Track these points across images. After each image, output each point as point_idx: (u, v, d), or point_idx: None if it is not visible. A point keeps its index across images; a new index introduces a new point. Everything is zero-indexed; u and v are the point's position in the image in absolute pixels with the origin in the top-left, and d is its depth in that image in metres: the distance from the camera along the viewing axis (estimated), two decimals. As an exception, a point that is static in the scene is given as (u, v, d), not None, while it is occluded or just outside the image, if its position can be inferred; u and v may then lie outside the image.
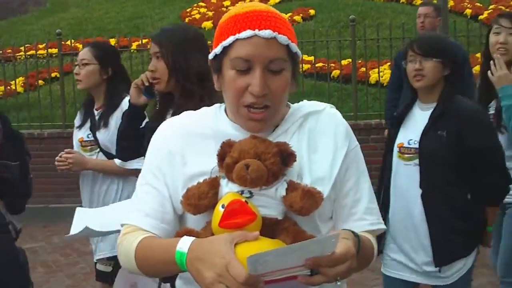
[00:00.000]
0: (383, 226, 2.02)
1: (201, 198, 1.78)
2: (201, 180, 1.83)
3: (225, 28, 1.85)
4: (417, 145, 3.64)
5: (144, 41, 10.64)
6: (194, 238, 1.70)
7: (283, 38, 1.81)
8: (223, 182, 1.80)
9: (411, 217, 3.66)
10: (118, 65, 4.51)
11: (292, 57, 1.87)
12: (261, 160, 1.75)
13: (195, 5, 16.11)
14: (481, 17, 12.72)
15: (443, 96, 3.67)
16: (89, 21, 15.75)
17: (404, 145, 3.73)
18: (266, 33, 1.79)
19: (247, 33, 1.79)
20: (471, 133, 3.53)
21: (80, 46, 10.52)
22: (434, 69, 3.64)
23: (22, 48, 11.00)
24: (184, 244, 1.68)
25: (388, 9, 14.24)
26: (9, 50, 11.12)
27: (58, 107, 10.11)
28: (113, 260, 4.26)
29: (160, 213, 1.92)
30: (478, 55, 9.81)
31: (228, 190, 1.77)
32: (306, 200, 1.74)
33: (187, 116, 2.04)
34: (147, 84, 3.57)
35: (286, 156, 1.80)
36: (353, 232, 1.80)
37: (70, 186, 9.23)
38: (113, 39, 11.78)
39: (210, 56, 1.91)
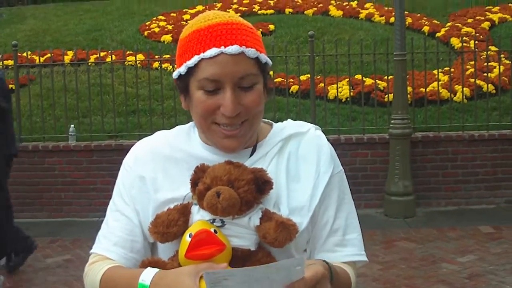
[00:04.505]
0: (361, 258, 1.87)
1: (170, 226, 1.67)
2: (172, 206, 1.73)
3: (188, 46, 1.72)
4: None
5: (102, 54, 10.54)
6: (157, 269, 1.63)
7: (251, 52, 1.69)
8: (194, 209, 1.69)
9: None
10: None
11: (262, 68, 1.75)
12: (234, 187, 1.65)
13: (154, 18, 16.07)
14: (438, 34, 12.87)
15: None
16: (47, 33, 15.56)
17: None
18: (233, 49, 1.66)
19: (212, 51, 1.66)
20: None
21: (37, 58, 10.40)
22: None
23: (-23, 59, 10.82)
24: (147, 276, 1.62)
25: (346, 25, 14.37)
26: (-36, 62, 10.92)
27: (13, 120, 9.93)
28: None
29: (129, 242, 1.83)
30: (435, 71, 9.93)
31: (199, 217, 1.67)
32: (279, 232, 1.63)
33: (160, 137, 1.92)
34: None
35: (262, 184, 1.69)
36: (324, 260, 1.69)
37: (24, 201, 9.11)
38: (71, 51, 11.66)
39: (174, 75, 1.77)
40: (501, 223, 8.14)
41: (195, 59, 1.69)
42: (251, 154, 1.82)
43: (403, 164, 8.55)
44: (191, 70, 1.71)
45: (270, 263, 1.52)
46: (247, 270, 1.51)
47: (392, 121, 8.69)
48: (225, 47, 1.66)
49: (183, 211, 1.70)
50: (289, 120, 1.96)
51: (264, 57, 1.74)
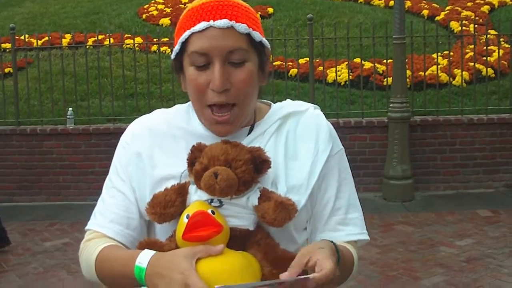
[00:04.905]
0: (364, 237, 1.88)
1: (167, 206, 1.67)
2: (169, 184, 1.72)
3: (182, 24, 1.74)
4: None
5: (100, 37, 10.50)
6: (154, 252, 1.62)
7: (241, 27, 1.69)
8: (192, 189, 1.68)
9: None
10: None
11: (257, 47, 1.75)
12: (232, 167, 1.64)
13: (153, 1, 15.96)
14: (438, 18, 12.83)
15: None
16: (45, 16, 15.49)
17: None
18: (222, 22, 1.67)
19: (201, 25, 1.68)
20: None
21: (35, 41, 10.36)
22: None
23: (-25, 42, 10.76)
24: (144, 258, 1.60)
25: (345, 9, 14.31)
26: (-39, 45, 10.88)
27: (11, 103, 9.92)
28: None
29: (125, 218, 1.82)
30: (435, 55, 9.90)
31: (197, 198, 1.65)
32: (278, 212, 1.62)
33: (158, 114, 1.93)
34: None
35: (259, 163, 1.68)
36: (331, 241, 1.66)
37: (22, 184, 9.11)
38: (69, 34, 11.61)
39: (172, 55, 1.80)
40: (499, 207, 8.15)
41: (186, 34, 1.71)
42: (249, 133, 1.82)
43: (401, 148, 8.54)
44: (184, 47, 1.73)
45: (279, 279, 1.50)
46: (256, 284, 1.52)
47: (391, 105, 8.67)
48: (214, 20, 1.68)
49: (181, 191, 1.69)
50: (287, 99, 1.95)
51: (258, 35, 1.74)
